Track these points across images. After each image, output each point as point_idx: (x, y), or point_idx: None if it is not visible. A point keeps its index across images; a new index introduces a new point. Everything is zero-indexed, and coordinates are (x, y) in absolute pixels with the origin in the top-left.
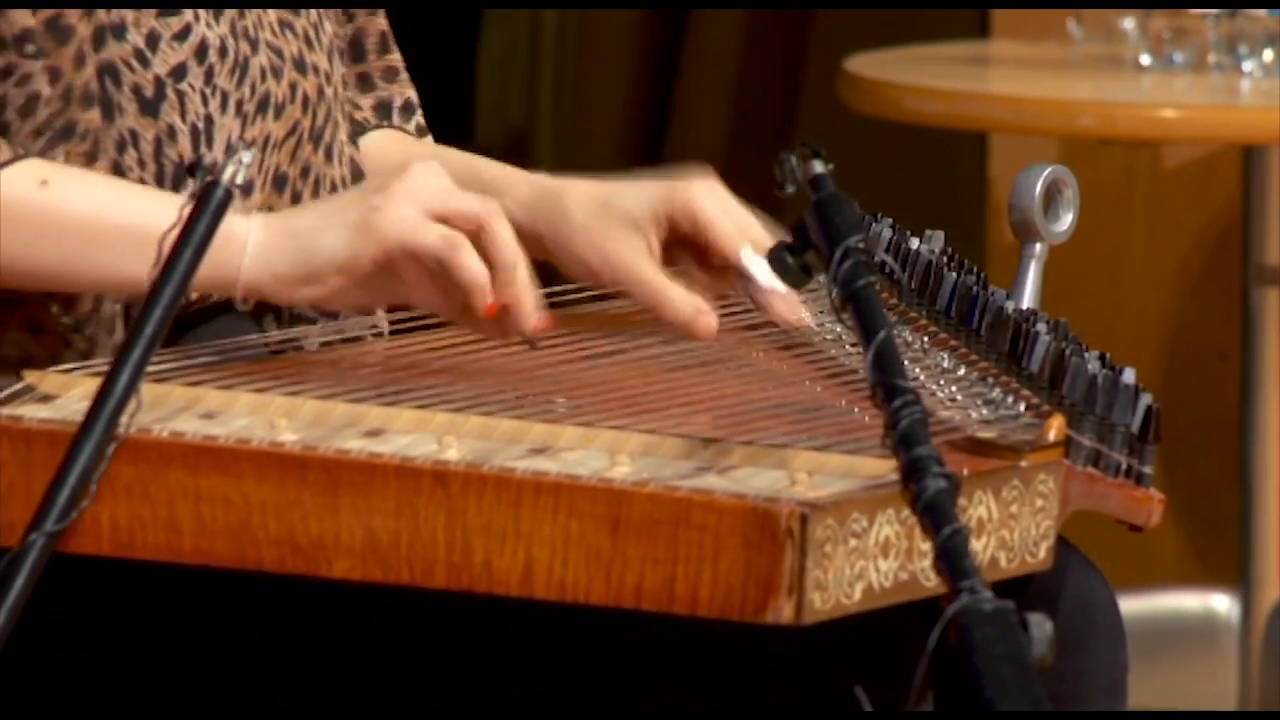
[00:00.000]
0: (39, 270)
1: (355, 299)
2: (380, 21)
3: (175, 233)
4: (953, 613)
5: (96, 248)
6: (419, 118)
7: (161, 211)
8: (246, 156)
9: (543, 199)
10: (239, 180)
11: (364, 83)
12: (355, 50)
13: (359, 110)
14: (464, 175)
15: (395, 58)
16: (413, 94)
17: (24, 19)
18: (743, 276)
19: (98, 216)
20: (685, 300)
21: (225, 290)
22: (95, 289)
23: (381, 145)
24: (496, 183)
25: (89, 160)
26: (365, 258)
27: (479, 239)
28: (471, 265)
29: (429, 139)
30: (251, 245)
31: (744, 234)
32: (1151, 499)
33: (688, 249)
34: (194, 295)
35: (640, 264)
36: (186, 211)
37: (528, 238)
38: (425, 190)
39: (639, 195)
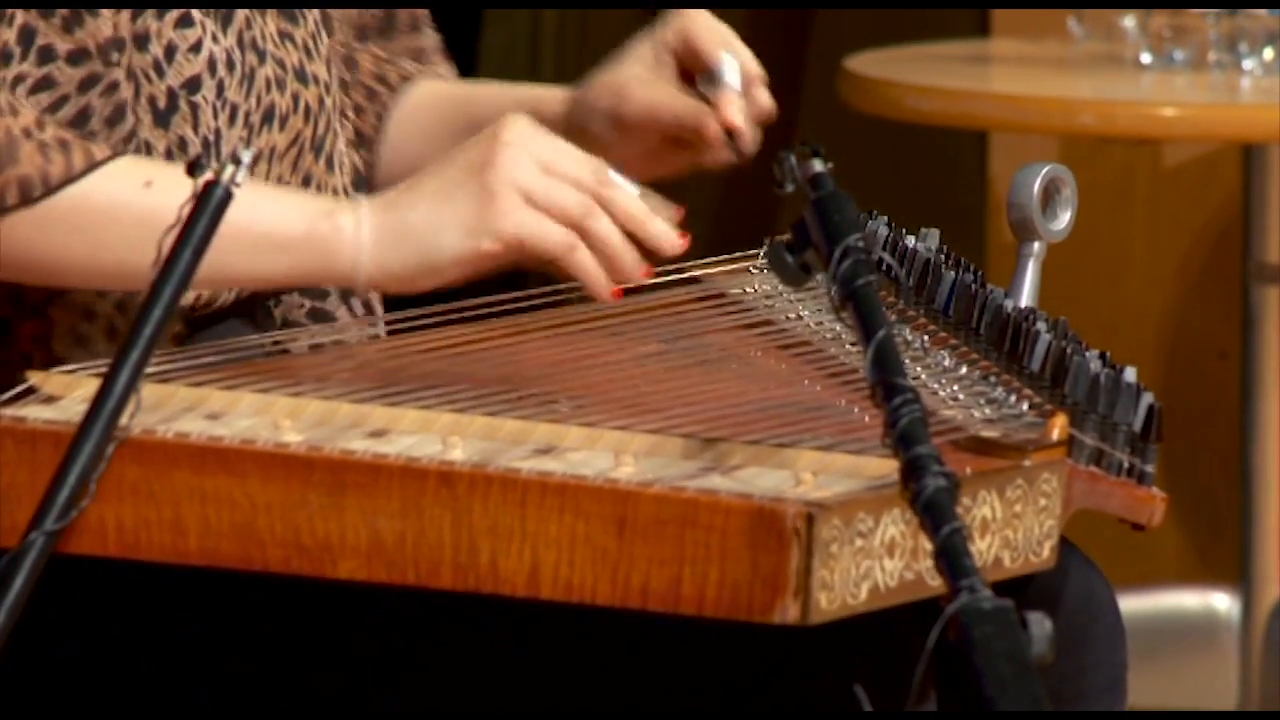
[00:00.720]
0: (126, 271)
1: (471, 277)
2: (417, 9)
3: (175, 233)
4: (952, 611)
5: (223, 252)
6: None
7: (272, 211)
8: (246, 157)
9: (574, 104)
10: (238, 180)
11: (387, 61)
12: (386, 26)
13: (395, 73)
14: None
15: (426, 38)
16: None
17: (107, 27)
18: (711, 74)
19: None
20: (705, 112)
21: (340, 283)
22: (213, 289)
23: (429, 97)
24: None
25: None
26: (486, 256)
27: (585, 229)
28: (589, 266)
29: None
30: (367, 243)
31: (724, 41)
32: (1154, 498)
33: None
34: (199, 300)
35: (653, 87)
36: (186, 211)
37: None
38: (530, 176)
39: (638, 47)
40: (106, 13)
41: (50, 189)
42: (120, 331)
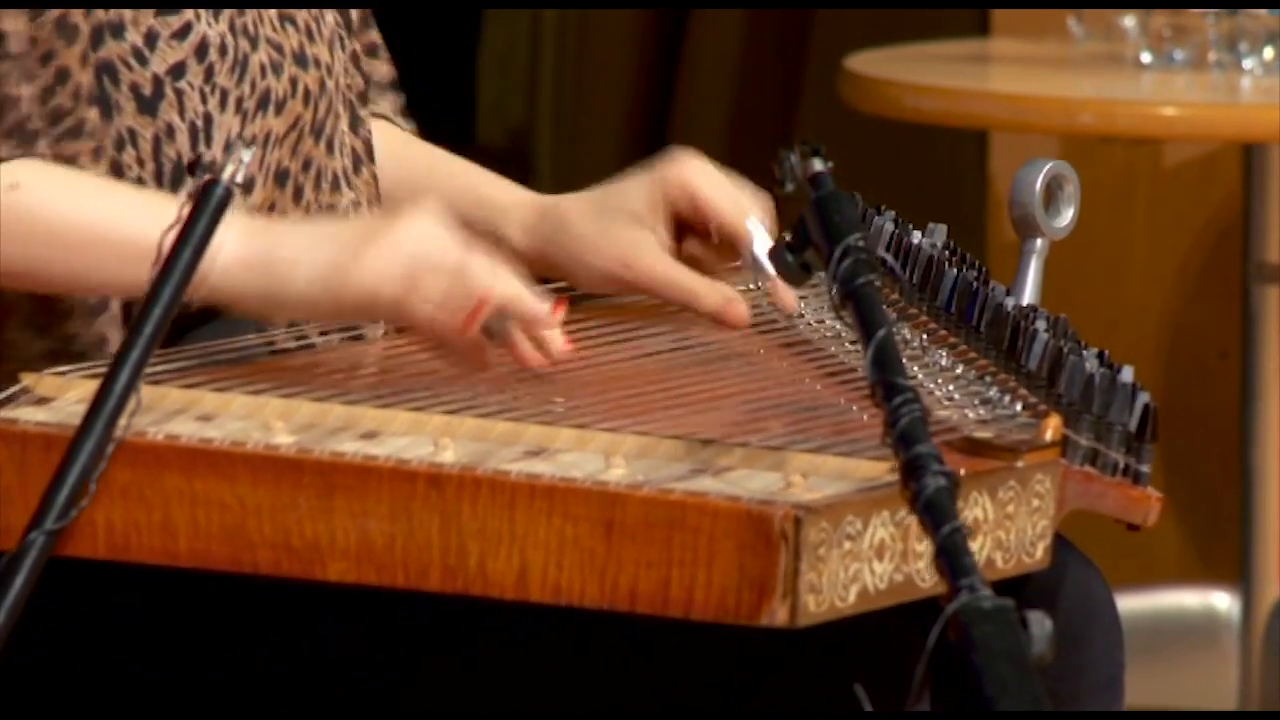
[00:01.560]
0: (10, 271)
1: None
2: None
3: (174, 232)
4: (952, 611)
5: (66, 253)
6: (400, 96)
7: (129, 216)
8: (246, 155)
9: (545, 220)
10: (239, 178)
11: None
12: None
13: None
14: (464, 197)
15: (375, 35)
16: (393, 71)
17: (3, 23)
18: (752, 260)
19: (65, 217)
20: (713, 291)
21: (206, 303)
22: (67, 292)
23: (379, 144)
24: (497, 211)
25: (95, 156)
26: (328, 305)
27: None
28: (426, 320)
29: (424, 145)
30: (224, 257)
31: (739, 205)
32: (1149, 498)
33: (691, 231)
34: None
35: (656, 261)
36: (186, 211)
37: (536, 262)
38: (409, 246)
39: (634, 190)
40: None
41: None
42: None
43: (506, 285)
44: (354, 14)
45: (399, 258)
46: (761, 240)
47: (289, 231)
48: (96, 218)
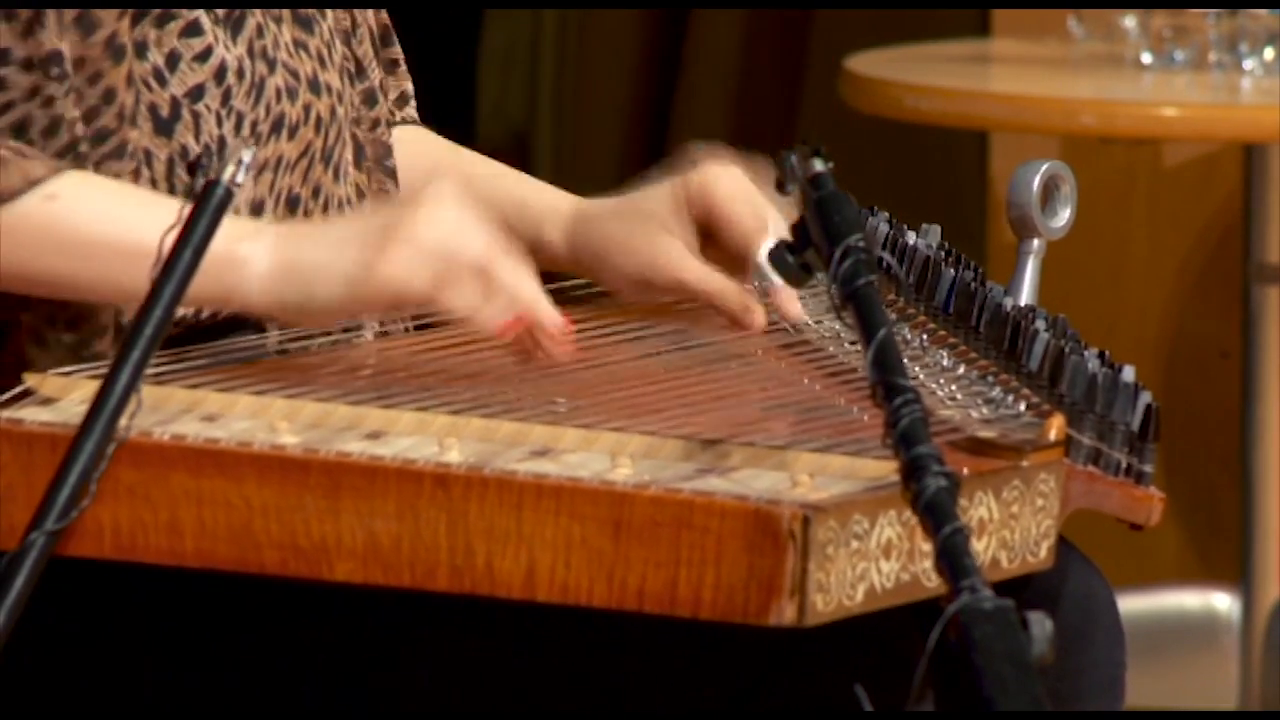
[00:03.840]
0: (38, 282)
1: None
2: (383, 14)
3: (175, 232)
4: (953, 611)
5: (93, 263)
6: (412, 109)
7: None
8: (246, 155)
9: (577, 222)
10: (239, 180)
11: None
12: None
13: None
14: (506, 201)
15: (396, 50)
16: (409, 86)
17: (52, 40)
18: (758, 272)
19: (100, 228)
20: (736, 295)
21: (240, 311)
22: (102, 300)
23: (413, 146)
24: (537, 215)
25: (136, 177)
26: (361, 304)
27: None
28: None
29: (461, 151)
30: (258, 273)
31: (757, 217)
32: (1152, 498)
33: (712, 235)
34: (203, 313)
35: (681, 264)
36: (186, 211)
37: (568, 263)
38: (429, 234)
39: (659, 194)
40: (52, 26)
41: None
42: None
43: (528, 290)
44: (374, 30)
45: (423, 253)
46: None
47: (313, 236)
48: (132, 226)
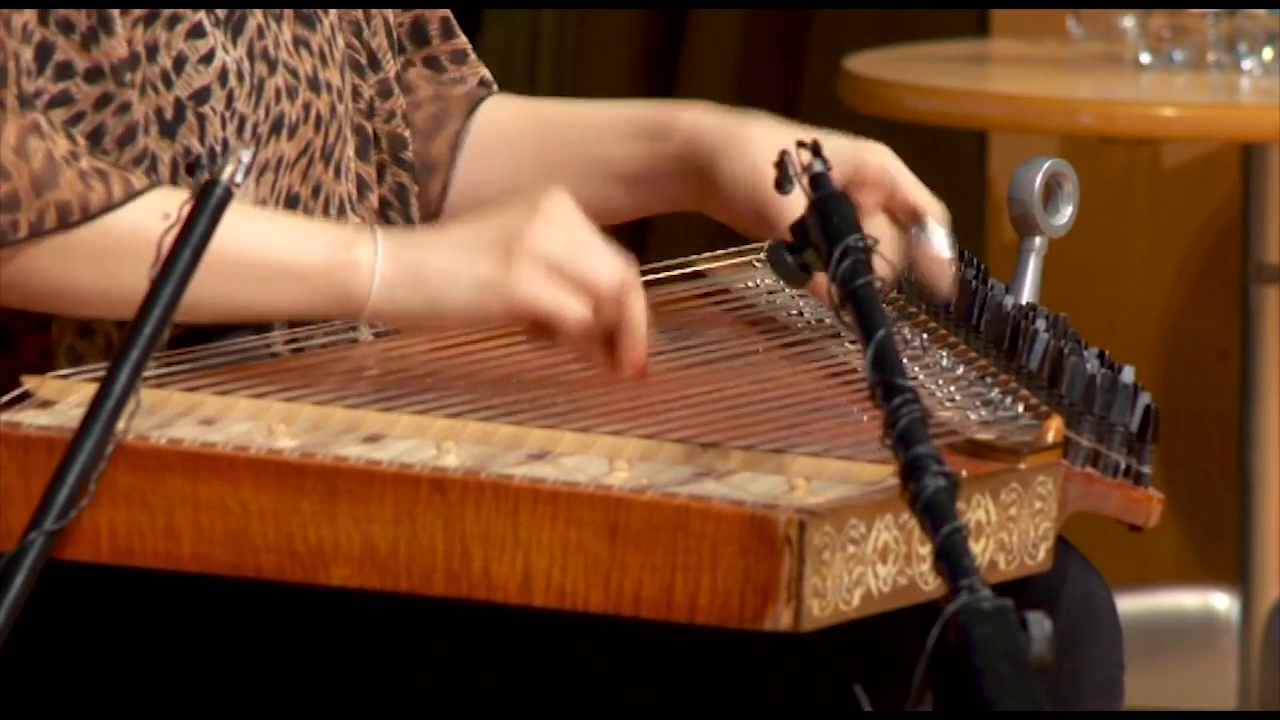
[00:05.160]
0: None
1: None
2: (441, 11)
3: (174, 232)
4: (952, 611)
5: (213, 280)
6: (487, 87)
7: (289, 240)
8: (246, 155)
9: (725, 128)
10: (239, 179)
11: (431, 65)
12: (418, 35)
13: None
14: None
15: (461, 41)
16: (485, 73)
17: (121, 47)
18: (924, 234)
19: (220, 248)
20: None
21: (347, 318)
22: (219, 321)
23: (510, 119)
24: (668, 116)
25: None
26: (490, 315)
27: (604, 309)
28: (593, 355)
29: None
30: (379, 280)
31: (936, 204)
32: (1150, 499)
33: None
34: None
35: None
36: (186, 211)
37: (708, 149)
38: (558, 250)
39: (830, 137)
40: (121, 31)
41: (88, 216)
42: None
43: (637, 303)
44: (434, 23)
45: (552, 271)
46: (939, 236)
47: (434, 241)
48: (273, 245)
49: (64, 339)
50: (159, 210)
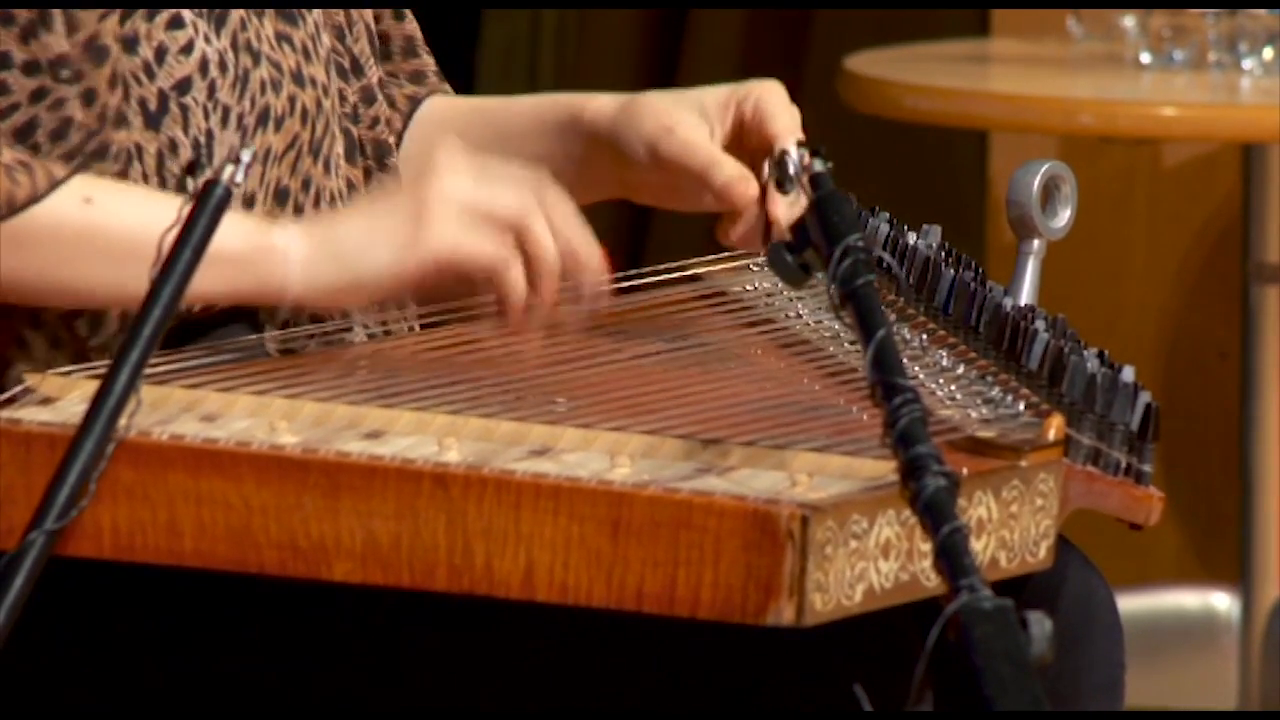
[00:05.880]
0: (74, 288)
1: (401, 300)
2: (407, 26)
3: (174, 232)
4: (952, 611)
5: (140, 264)
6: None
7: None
8: (245, 156)
9: (622, 103)
10: (238, 180)
11: (392, 79)
12: (382, 50)
13: (402, 86)
14: (539, 123)
15: (423, 61)
16: (447, 89)
17: (60, 43)
18: (777, 163)
19: (144, 232)
20: (733, 167)
21: (270, 302)
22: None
23: (447, 111)
24: (569, 99)
25: (124, 175)
26: (412, 272)
27: (522, 239)
28: (517, 286)
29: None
30: (295, 259)
31: (794, 129)
32: (1151, 497)
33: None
34: (199, 308)
35: (695, 133)
36: (186, 211)
37: (606, 132)
38: (461, 193)
39: (711, 91)
40: (60, 30)
41: (14, 209)
42: (64, 341)
43: (575, 230)
44: (395, 40)
45: (463, 210)
46: (794, 163)
47: (343, 216)
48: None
49: (10, 327)
50: (78, 195)
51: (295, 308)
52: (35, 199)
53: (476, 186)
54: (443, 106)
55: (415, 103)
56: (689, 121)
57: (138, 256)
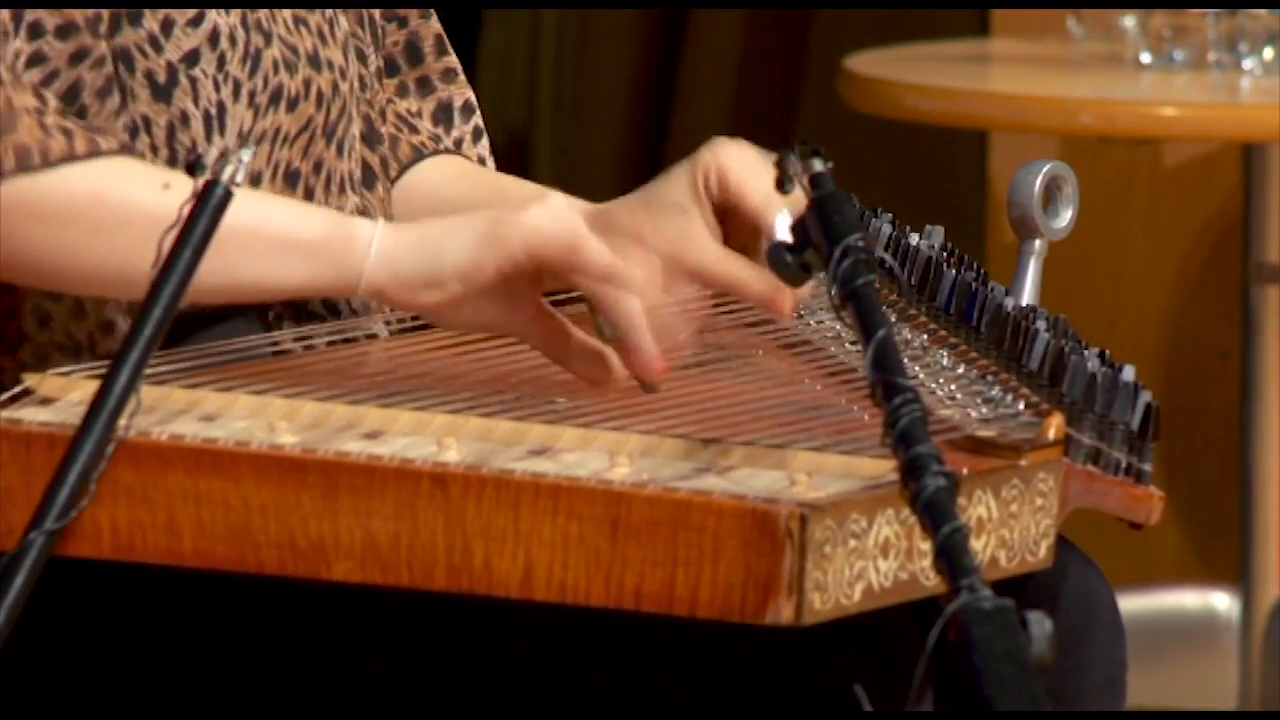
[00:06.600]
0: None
1: (472, 314)
2: (434, 25)
3: (174, 232)
4: (952, 611)
5: (243, 256)
6: (478, 119)
7: (289, 215)
8: (245, 155)
9: (596, 225)
10: (238, 179)
11: (423, 86)
12: (412, 54)
13: (415, 133)
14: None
15: (452, 59)
16: (471, 95)
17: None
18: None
19: (229, 225)
20: (761, 279)
21: (345, 291)
22: (220, 298)
23: (451, 172)
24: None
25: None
26: (490, 264)
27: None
28: (599, 260)
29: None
30: (376, 246)
31: (770, 197)
32: (1151, 497)
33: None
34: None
35: (705, 251)
36: (186, 211)
37: None
38: (566, 207)
39: (675, 180)
40: None
41: (49, 163)
42: (86, 313)
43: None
44: (427, 40)
45: (560, 210)
46: (783, 234)
47: (433, 220)
48: (266, 219)
49: (30, 296)
50: (155, 180)
51: (371, 297)
52: (69, 159)
53: (574, 227)
54: (440, 175)
55: (411, 159)
56: (683, 234)
57: (215, 247)
